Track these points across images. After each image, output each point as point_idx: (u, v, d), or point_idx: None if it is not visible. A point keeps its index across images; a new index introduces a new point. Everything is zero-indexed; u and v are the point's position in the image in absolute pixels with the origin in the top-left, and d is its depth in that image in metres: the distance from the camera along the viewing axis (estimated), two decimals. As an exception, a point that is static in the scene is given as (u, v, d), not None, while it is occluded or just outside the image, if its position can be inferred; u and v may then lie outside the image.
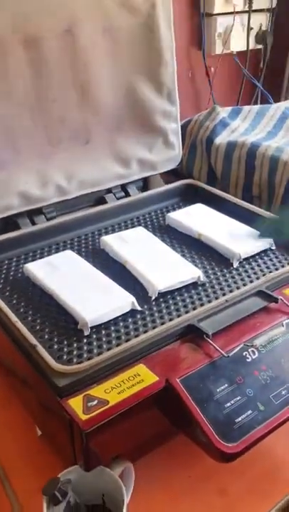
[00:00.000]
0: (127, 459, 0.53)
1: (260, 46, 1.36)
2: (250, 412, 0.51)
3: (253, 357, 0.55)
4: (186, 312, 0.62)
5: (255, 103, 1.39)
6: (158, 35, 0.86)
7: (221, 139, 0.97)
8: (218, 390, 0.52)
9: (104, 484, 0.51)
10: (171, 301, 0.64)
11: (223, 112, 1.02)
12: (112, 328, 0.60)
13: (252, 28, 1.30)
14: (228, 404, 0.51)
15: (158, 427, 0.55)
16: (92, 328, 0.59)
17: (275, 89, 1.41)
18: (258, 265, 0.72)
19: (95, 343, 0.57)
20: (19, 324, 0.57)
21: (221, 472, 0.59)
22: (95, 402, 0.48)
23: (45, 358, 0.52)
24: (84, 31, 0.79)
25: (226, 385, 0.52)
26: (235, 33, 1.27)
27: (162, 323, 0.60)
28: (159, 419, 0.53)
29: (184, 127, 1.01)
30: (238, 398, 0.51)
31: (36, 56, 0.76)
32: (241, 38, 1.31)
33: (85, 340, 0.58)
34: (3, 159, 0.79)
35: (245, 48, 1.32)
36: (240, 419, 0.50)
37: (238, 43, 1.30)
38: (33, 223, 0.82)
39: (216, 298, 0.65)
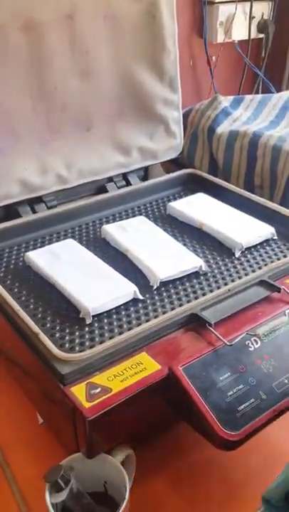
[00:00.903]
0: (129, 446, 0.53)
1: (261, 35, 1.35)
2: (252, 400, 0.51)
3: (256, 346, 0.55)
4: (188, 301, 0.62)
5: (257, 92, 1.39)
6: (160, 22, 0.85)
7: (223, 128, 0.96)
8: (220, 379, 0.52)
9: (106, 471, 0.51)
10: (172, 291, 0.64)
11: (225, 101, 1.02)
12: (114, 316, 0.60)
13: (254, 17, 1.29)
14: (231, 392, 0.51)
15: (160, 414, 0.55)
16: (94, 316, 0.59)
17: (277, 78, 1.40)
18: (260, 255, 0.71)
19: (97, 332, 0.57)
20: (21, 312, 0.57)
21: (222, 459, 0.60)
22: (98, 390, 0.48)
23: (47, 345, 0.52)
24: (85, 17, 0.78)
25: (229, 374, 0.52)
26: (237, 22, 1.27)
27: (164, 312, 0.60)
28: (161, 407, 0.54)
29: (185, 116, 1.00)
30: (240, 387, 0.51)
31: (36, 42, 0.75)
32: (243, 27, 1.30)
33: (87, 329, 0.58)
34: (2, 146, 0.78)
35: (247, 37, 1.31)
36: (242, 407, 0.50)
37: (240, 31, 1.30)
38: (34, 212, 0.82)
39: (218, 287, 0.65)
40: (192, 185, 0.92)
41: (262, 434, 0.51)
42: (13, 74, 0.74)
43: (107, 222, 0.82)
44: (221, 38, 1.27)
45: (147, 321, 0.58)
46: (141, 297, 0.62)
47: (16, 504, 0.55)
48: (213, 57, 1.31)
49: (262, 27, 1.33)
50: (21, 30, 0.72)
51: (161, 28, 0.86)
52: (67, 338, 0.57)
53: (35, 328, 0.54)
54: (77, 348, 0.55)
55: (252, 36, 1.32)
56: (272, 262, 0.69)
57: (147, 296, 0.63)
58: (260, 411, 0.51)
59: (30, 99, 0.77)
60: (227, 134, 0.94)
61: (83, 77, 0.81)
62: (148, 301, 0.62)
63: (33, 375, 0.59)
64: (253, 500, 0.56)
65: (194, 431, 0.53)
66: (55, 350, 0.51)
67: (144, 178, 0.96)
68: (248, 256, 0.71)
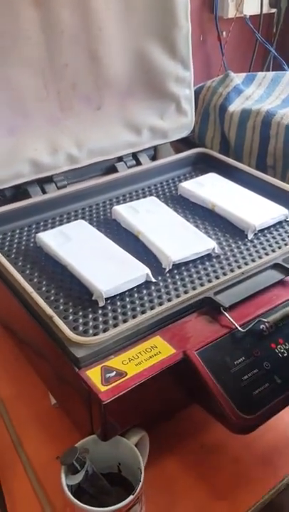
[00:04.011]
0: (143, 428, 0.53)
1: (273, 10, 1.31)
2: (267, 384, 0.51)
3: (270, 330, 0.55)
4: (201, 285, 0.61)
5: (268, 69, 1.36)
6: (173, -4, 0.82)
7: (235, 106, 0.94)
8: (235, 363, 0.51)
9: (120, 453, 0.51)
10: (185, 273, 0.64)
11: (237, 78, 0.99)
12: (127, 299, 0.59)
13: (266, -9, 1.26)
14: (245, 377, 0.51)
15: (174, 397, 0.55)
16: (106, 299, 0.59)
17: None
18: (274, 237, 0.71)
19: (110, 315, 0.57)
20: (35, 295, 0.57)
21: (233, 442, 0.60)
22: (113, 374, 0.48)
23: (62, 329, 0.52)
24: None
25: (243, 358, 0.52)
26: (249, -4, 1.23)
27: (177, 296, 0.60)
28: (175, 390, 0.54)
29: (196, 93, 0.98)
30: (255, 371, 0.51)
31: (48, 18, 0.73)
32: (254, 1, 1.26)
33: (100, 312, 0.58)
34: (13, 125, 0.77)
35: (259, 12, 1.28)
36: (257, 391, 0.50)
37: (252, 6, 1.26)
38: (44, 192, 0.81)
39: (232, 270, 0.64)
40: (203, 164, 0.91)
41: (275, 416, 0.51)
42: (24, 50, 0.73)
43: (118, 202, 0.81)
44: (232, 13, 1.24)
45: (160, 304, 0.58)
46: (154, 280, 0.62)
47: (31, 486, 0.55)
48: (224, 33, 1.28)
49: (274, 1, 1.29)
50: (33, 5, 0.70)
51: (173, 2, 0.83)
52: (80, 321, 0.56)
53: (50, 311, 0.54)
54: (90, 331, 0.55)
55: (264, 11, 1.28)
56: (286, 244, 0.69)
57: (160, 278, 0.63)
58: (275, 395, 0.51)
59: (41, 77, 0.75)
60: (239, 112, 0.93)
61: (94, 55, 0.79)
62: (161, 284, 0.62)
63: (47, 357, 0.59)
64: (265, 480, 0.57)
65: (207, 413, 0.54)
66: (69, 333, 0.51)
67: (154, 157, 0.95)
68: (261, 238, 0.71)
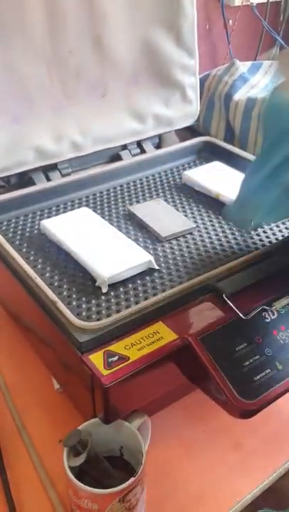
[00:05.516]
0: (145, 413, 0.53)
1: (280, -2, 1.30)
2: (268, 370, 0.51)
3: (272, 317, 0.55)
4: (205, 272, 0.62)
5: (275, 58, 1.35)
6: (178, -17, 0.82)
7: (240, 95, 0.94)
8: (236, 349, 0.52)
9: (122, 437, 0.52)
10: (189, 260, 0.64)
11: (243, 66, 0.99)
12: (130, 286, 0.60)
13: (273, -22, 1.24)
14: (247, 362, 0.51)
15: (176, 382, 0.56)
16: (110, 285, 0.59)
17: (295, 43, 1.35)
18: (277, 225, 0.71)
19: (113, 301, 0.58)
20: (39, 281, 0.57)
21: (235, 427, 0.61)
22: (116, 358, 0.49)
23: (65, 314, 0.52)
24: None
25: (245, 344, 0.52)
26: (256, -17, 1.22)
27: (180, 283, 0.60)
28: (177, 376, 0.54)
29: (201, 82, 0.98)
30: (256, 357, 0.52)
31: (52, 5, 0.73)
32: (262, -11, 1.25)
33: (103, 298, 0.58)
34: (17, 113, 0.77)
35: (265, 0, 1.27)
36: (258, 377, 0.50)
37: (258, -6, 1.25)
38: (48, 179, 0.81)
39: (235, 258, 0.64)
40: (208, 153, 0.91)
41: (276, 402, 0.51)
42: (27, 38, 0.72)
43: (122, 190, 0.82)
44: (238, 1, 1.23)
45: (163, 291, 0.58)
46: (156, 267, 0.62)
47: (34, 470, 0.56)
48: (230, 21, 1.27)
49: (281, -11, 1.28)
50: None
51: (179, -10, 0.83)
52: (83, 306, 0.57)
53: (53, 296, 0.55)
54: (94, 317, 0.55)
55: (270, -1, 1.27)
56: (290, 232, 0.69)
57: (163, 265, 0.63)
58: (276, 381, 0.51)
59: (46, 64, 0.75)
60: (245, 100, 0.92)
61: (99, 41, 0.79)
62: (164, 271, 0.62)
63: (51, 342, 0.59)
64: (266, 466, 0.57)
65: (209, 398, 0.54)
66: (73, 318, 0.52)
67: (158, 146, 0.95)
68: (265, 226, 0.70)
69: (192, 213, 0.74)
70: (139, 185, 0.83)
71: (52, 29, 0.74)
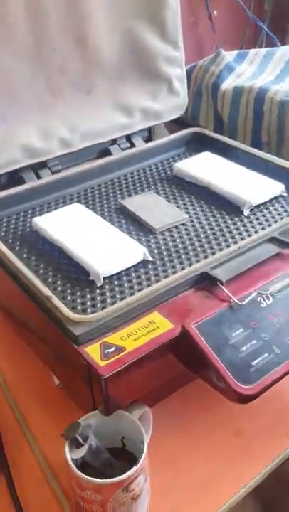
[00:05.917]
0: (145, 403, 0.54)
1: (264, -14, 1.30)
2: (266, 355, 0.51)
3: (268, 302, 0.55)
4: (198, 261, 0.62)
5: (261, 46, 1.35)
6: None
7: (227, 84, 0.94)
8: (233, 335, 0.52)
9: (123, 427, 0.52)
10: (182, 251, 0.64)
11: (229, 56, 0.99)
12: (124, 278, 0.60)
13: None
14: (244, 348, 0.51)
15: (174, 371, 0.56)
16: (104, 279, 0.59)
17: (281, 31, 1.36)
18: (270, 212, 0.71)
19: (108, 294, 0.58)
20: (33, 278, 0.57)
21: (236, 414, 0.61)
22: (112, 349, 0.49)
23: (60, 308, 0.52)
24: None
25: (242, 330, 0.52)
26: (239, -28, 1.22)
27: (174, 273, 0.60)
28: (175, 365, 0.54)
29: (188, 74, 0.98)
30: (253, 342, 0.52)
31: (33, 2, 0.72)
32: (245, -22, 1.25)
33: (97, 291, 0.58)
34: (3, 112, 0.77)
35: (249, -11, 1.27)
36: (256, 362, 0.51)
37: (242, -17, 1.25)
38: (38, 177, 0.81)
39: (228, 246, 0.64)
40: (198, 144, 0.90)
41: (275, 387, 0.52)
42: (10, 36, 0.72)
43: (113, 185, 0.82)
44: (222, -10, 1.23)
45: (158, 281, 0.58)
46: (150, 258, 0.62)
47: (37, 462, 0.56)
48: (215, 12, 1.27)
49: (264, -23, 1.28)
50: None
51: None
52: (78, 300, 0.57)
53: (48, 292, 0.55)
54: (89, 310, 0.55)
55: (254, -12, 1.27)
56: (282, 218, 0.69)
57: (157, 257, 0.63)
58: (274, 365, 0.51)
59: (29, 62, 0.75)
60: (232, 89, 0.92)
61: (82, 38, 0.79)
62: (158, 263, 0.62)
63: (48, 338, 0.59)
64: (269, 451, 0.57)
65: (209, 387, 0.54)
66: (68, 312, 0.52)
67: (148, 139, 0.95)
68: (258, 214, 0.71)
69: (184, 204, 0.75)
70: (130, 179, 0.83)
71: (33, 24, 0.73)
